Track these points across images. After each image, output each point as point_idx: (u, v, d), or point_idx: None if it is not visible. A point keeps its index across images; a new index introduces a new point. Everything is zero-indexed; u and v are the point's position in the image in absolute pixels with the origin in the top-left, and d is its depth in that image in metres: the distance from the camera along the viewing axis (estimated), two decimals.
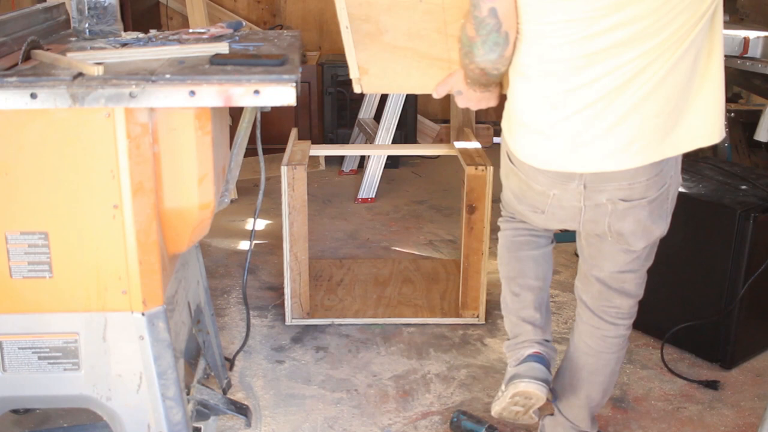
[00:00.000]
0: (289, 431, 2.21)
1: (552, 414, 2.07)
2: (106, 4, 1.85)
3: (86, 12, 1.83)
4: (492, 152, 2.85)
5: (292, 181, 2.59)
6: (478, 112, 4.86)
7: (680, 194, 2.56)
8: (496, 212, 3.81)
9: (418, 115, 4.65)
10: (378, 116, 4.24)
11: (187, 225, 1.60)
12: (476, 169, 2.63)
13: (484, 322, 2.80)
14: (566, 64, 1.59)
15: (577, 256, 3.36)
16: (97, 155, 1.46)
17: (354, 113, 4.49)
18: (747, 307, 2.47)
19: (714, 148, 3.53)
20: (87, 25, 1.84)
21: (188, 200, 1.56)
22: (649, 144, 1.64)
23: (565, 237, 3.58)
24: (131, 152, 1.46)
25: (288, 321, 2.76)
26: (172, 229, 1.59)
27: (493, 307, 2.89)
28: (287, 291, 2.72)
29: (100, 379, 1.58)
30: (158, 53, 1.64)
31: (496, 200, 3.84)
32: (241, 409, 2.02)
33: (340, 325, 2.77)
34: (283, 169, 2.59)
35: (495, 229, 3.61)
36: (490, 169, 2.63)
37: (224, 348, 2.53)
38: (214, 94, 1.42)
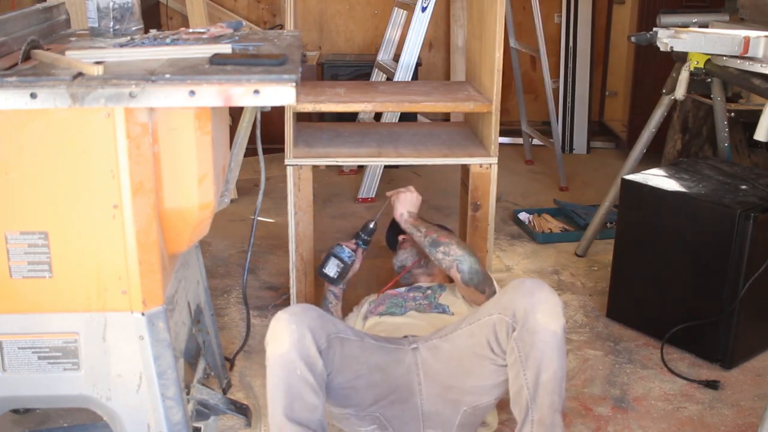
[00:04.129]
0: None
1: None
2: (130, 5, 1.85)
3: (111, 13, 1.83)
4: None
5: (297, 181, 2.59)
6: None
7: (680, 194, 2.58)
8: (499, 211, 3.82)
9: (417, 114, 4.65)
10: (378, 116, 4.24)
11: (187, 225, 1.60)
12: (480, 166, 2.63)
13: None
14: None
15: (577, 255, 3.39)
16: (97, 155, 1.45)
17: (354, 113, 4.49)
18: (747, 307, 2.47)
19: (714, 148, 3.53)
20: (111, 25, 1.84)
21: (188, 200, 1.56)
22: None
23: (566, 237, 3.58)
24: (131, 152, 1.46)
25: None
26: (172, 229, 1.59)
27: None
28: (293, 291, 2.72)
29: (100, 379, 1.58)
30: (158, 53, 1.64)
31: (498, 200, 3.84)
32: (241, 409, 2.02)
33: None
34: (289, 170, 2.59)
35: (498, 229, 3.62)
36: (494, 167, 2.63)
37: (224, 348, 2.53)
38: (213, 94, 1.42)
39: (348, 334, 1.93)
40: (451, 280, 2.39)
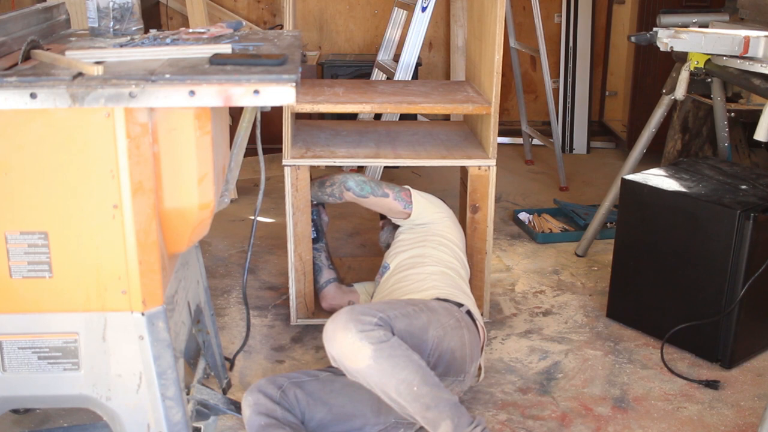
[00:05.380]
0: None
1: None
2: (130, 5, 1.85)
3: (111, 13, 1.83)
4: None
5: (295, 181, 2.59)
6: None
7: (680, 194, 2.58)
8: (499, 211, 3.82)
9: (417, 114, 4.65)
10: (378, 115, 4.24)
11: (187, 225, 1.60)
12: (479, 168, 2.62)
13: (488, 320, 2.80)
14: None
15: (577, 255, 3.38)
16: (96, 155, 1.46)
17: (354, 113, 4.49)
18: (747, 307, 2.47)
19: (714, 148, 3.53)
20: (111, 25, 1.84)
21: (188, 200, 1.56)
22: None
23: (566, 237, 3.58)
24: (131, 152, 1.46)
25: (293, 321, 2.76)
26: (172, 229, 1.59)
27: (493, 306, 2.89)
28: (292, 291, 2.72)
29: (100, 379, 1.58)
30: (158, 53, 1.64)
31: (498, 200, 3.84)
32: (241, 409, 2.02)
33: None
34: (287, 170, 2.58)
35: (498, 229, 3.62)
36: (493, 169, 2.62)
37: (224, 348, 2.53)
38: (213, 94, 1.42)
39: (302, 378, 2.07)
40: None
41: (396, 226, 2.68)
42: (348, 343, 1.85)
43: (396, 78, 3.94)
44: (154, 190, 1.52)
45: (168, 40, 1.75)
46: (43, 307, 1.54)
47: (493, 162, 2.62)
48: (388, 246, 2.73)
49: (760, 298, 2.49)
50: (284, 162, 2.58)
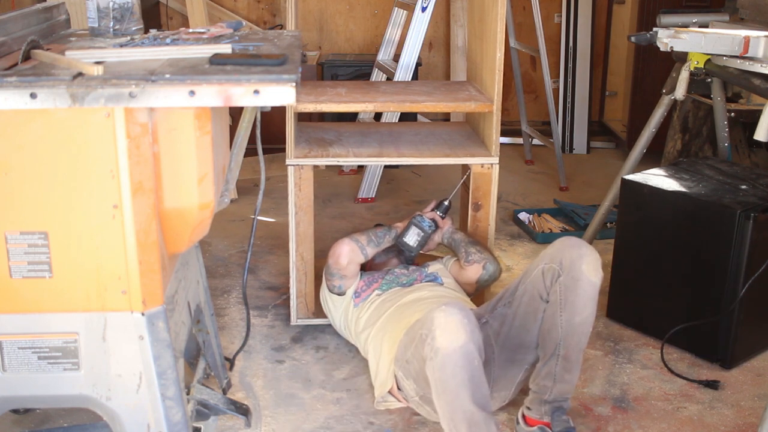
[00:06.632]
0: (289, 431, 2.21)
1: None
2: (130, 5, 1.86)
3: (111, 13, 1.83)
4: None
5: (299, 180, 2.59)
6: None
7: (680, 194, 2.58)
8: (499, 211, 3.82)
9: (417, 114, 4.66)
10: (378, 116, 4.24)
11: (187, 225, 1.60)
12: (482, 166, 2.63)
13: None
14: None
15: None
16: (96, 155, 1.45)
17: (354, 112, 4.49)
18: (747, 307, 2.47)
19: (714, 148, 3.53)
20: (111, 25, 1.84)
21: (188, 200, 1.56)
22: None
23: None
24: (131, 152, 1.46)
25: (293, 321, 2.76)
26: (171, 229, 1.59)
27: None
28: (293, 291, 2.72)
29: (100, 379, 1.58)
30: (158, 53, 1.64)
31: (498, 200, 3.84)
32: (241, 409, 2.02)
33: None
34: (290, 170, 2.58)
35: (498, 229, 3.62)
36: (496, 166, 2.63)
37: (224, 348, 2.53)
38: (213, 94, 1.42)
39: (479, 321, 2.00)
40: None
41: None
42: (456, 321, 1.81)
43: (396, 78, 3.95)
44: (154, 190, 1.52)
45: (168, 40, 1.75)
46: (43, 307, 1.54)
47: (495, 160, 2.62)
48: (410, 252, 2.58)
49: (760, 298, 2.49)
50: (288, 162, 2.58)
